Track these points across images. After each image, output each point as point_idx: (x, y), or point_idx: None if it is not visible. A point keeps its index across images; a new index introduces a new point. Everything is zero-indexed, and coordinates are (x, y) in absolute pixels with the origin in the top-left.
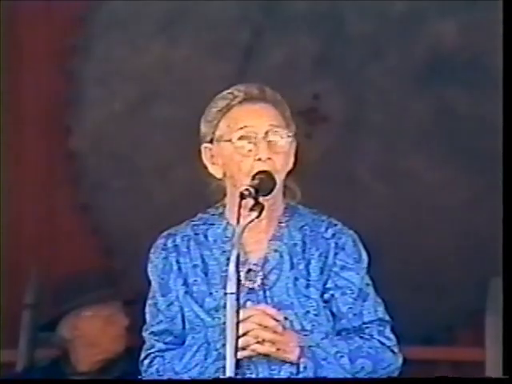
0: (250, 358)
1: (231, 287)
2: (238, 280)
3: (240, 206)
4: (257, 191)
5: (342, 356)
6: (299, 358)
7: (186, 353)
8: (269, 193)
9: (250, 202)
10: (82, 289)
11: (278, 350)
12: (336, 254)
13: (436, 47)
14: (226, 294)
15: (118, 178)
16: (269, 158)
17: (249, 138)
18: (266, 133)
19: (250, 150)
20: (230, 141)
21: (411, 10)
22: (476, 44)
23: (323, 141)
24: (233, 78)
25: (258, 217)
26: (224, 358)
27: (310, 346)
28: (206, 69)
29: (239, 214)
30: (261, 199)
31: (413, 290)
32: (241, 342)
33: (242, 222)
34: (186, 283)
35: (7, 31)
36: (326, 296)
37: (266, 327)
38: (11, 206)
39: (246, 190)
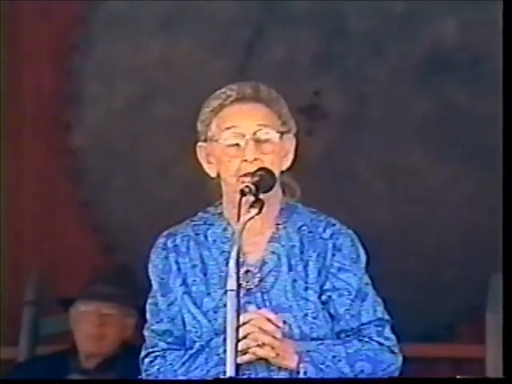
0: (250, 362)
1: (231, 284)
2: (238, 277)
3: (240, 203)
4: (257, 188)
5: (339, 360)
6: (298, 363)
7: (189, 359)
8: (269, 189)
9: (251, 198)
10: (93, 282)
11: (277, 355)
12: (333, 255)
13: (436, 45)
14: (226, 290)
15: (118, 175)
16: (256, 159)
17: (236, 139)
18: (254, 133)
19: (238, 151)
20: (217, 141)
21: (412, 8)
22: (476, 41)
23: (324, 137)
24: (233, 75)
25: (258, 213)
26: (225, 363)
27: (308, 351)
28: (206, 66)
29: (239, 211)
30: (261, 196)
31: (413, 287)
32: (241, 345)
33: (242, 218)
34: (185, 283)
35: (7, 29)
36: (324, 298)
37: (265, 331)
38: (12, 204)
39: (247, 186)
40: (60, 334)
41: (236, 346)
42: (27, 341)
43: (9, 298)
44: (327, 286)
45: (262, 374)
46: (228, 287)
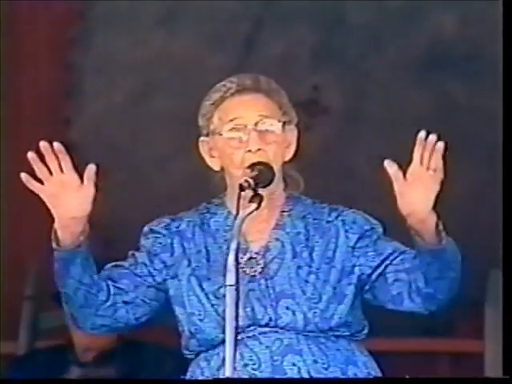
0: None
1: (230, 279)
2: (237, 272)
3: (239, 198)
4: (256, 183)
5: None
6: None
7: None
8: (268, 184)
9: (250, 193)
10: None
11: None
12: (346, 230)
13: (436, 39)
14: (225, 286)
15: (117, 169)
16: (259, 149)
17: (239, 130)
18: (256, 123)
19: (241, 142)
20: (220, 133)
21: (411, 2)
22: (476, 36)
23: (323, 132)
24: (233, 69)
25: (257, 208)
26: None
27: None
28: (205, 60)
29: (238, 206)
30: (260, 190)
31: None
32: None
33: (242, 213)
34: (190, 266)
35: (7, 24)
36: (356, 270)
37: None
38: (11, 199)
39: (246, 181)
40: (59, 329)
41: (235, 344)
42: (27, 335)
43: (8, 293)
44: (353, 261)
45: (266, 364)
46: (227, 282)
